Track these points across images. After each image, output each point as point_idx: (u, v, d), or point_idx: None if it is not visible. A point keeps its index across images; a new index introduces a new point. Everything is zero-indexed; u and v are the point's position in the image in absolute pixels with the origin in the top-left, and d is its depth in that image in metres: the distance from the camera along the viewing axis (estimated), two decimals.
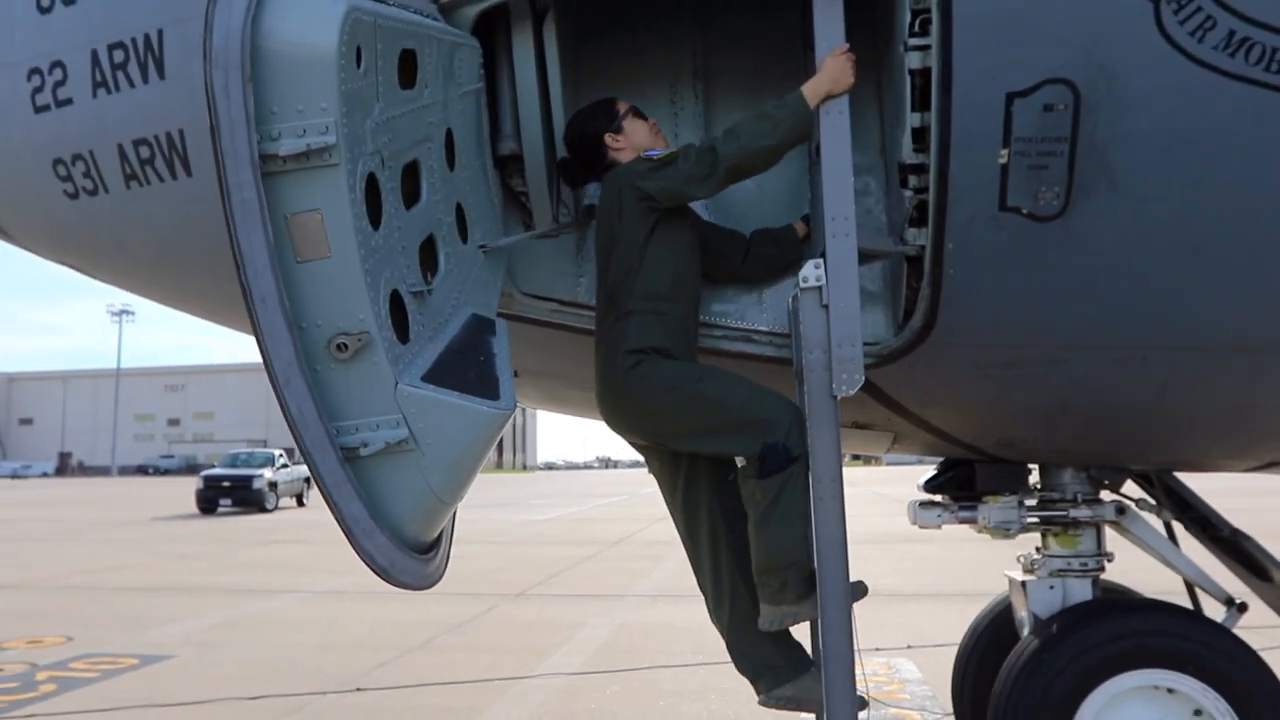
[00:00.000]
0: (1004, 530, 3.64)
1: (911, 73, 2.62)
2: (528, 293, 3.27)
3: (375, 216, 2.28)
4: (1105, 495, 3.79)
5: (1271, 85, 2.37)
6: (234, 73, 1.97)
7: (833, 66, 2.71)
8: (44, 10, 3.57)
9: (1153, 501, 3.89)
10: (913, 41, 2.58)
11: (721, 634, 3.10)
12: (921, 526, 3.76)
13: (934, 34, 2.51)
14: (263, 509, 25.08)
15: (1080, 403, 3.06)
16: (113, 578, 12.22)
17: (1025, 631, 3.51)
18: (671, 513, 3.15)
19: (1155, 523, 3.82)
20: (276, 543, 16.85)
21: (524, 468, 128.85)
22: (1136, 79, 2.43)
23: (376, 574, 2.22)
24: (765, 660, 2.97)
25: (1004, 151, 2.54)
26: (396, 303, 2.33)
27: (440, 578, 2.51)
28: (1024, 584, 3.63)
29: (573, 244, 3.31)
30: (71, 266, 4.32)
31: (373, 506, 2.19)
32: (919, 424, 3.34)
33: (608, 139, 3.07)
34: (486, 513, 25.11)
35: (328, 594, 10.52)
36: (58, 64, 3.52)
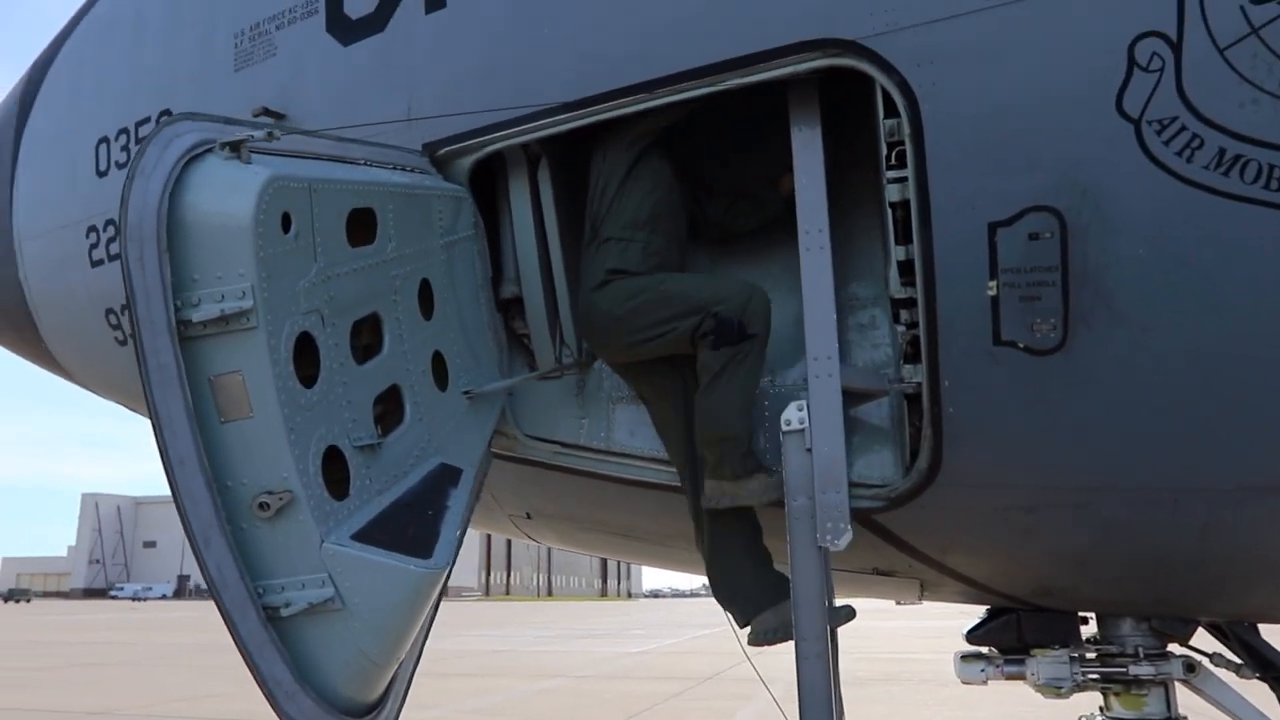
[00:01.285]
0: (1055, 689, 3.30)
1: (892, 205, 2.54)
2: (531, 435, 3.24)
3: (314, 373, 2.30)
4: (1174, 648, 3.41)
5: (1274, 204, 2.19)
6: (149, 245, 2.04)
7: None
8: (101, 174, 3.89)
9: (1234, 659, 3.48)
10: (890, 174, 2.51)
11: (704, 559, 3.05)
12: (964, 682, 3.45)
13: (909, 166, 2.44)
14: None
15: (1113, 549, 2.78)
16: (196, 708, 12.30)
17: None
18: (664, 440, 3.10)
19: (1235, 682, 3.40)
20: None
21: (628, 595, 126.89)
22: (1124, 203, 2.28)
23: None
24: (740, 590, 2.92)
25: (992, 283, 2.42)
26: (339, 457, 2.32)
27: None
28: None
29: (575, 385, 3.27)
30: (126, 406, 4.54)
31: (299, 668, 2.12)
32: (943, 571, 3.09)
33: None
34: (578, 644, 24.59)
35: None
36: (110, 222, 3.81)
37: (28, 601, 70.40)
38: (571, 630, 31.86)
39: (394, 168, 2.74)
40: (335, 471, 2.29)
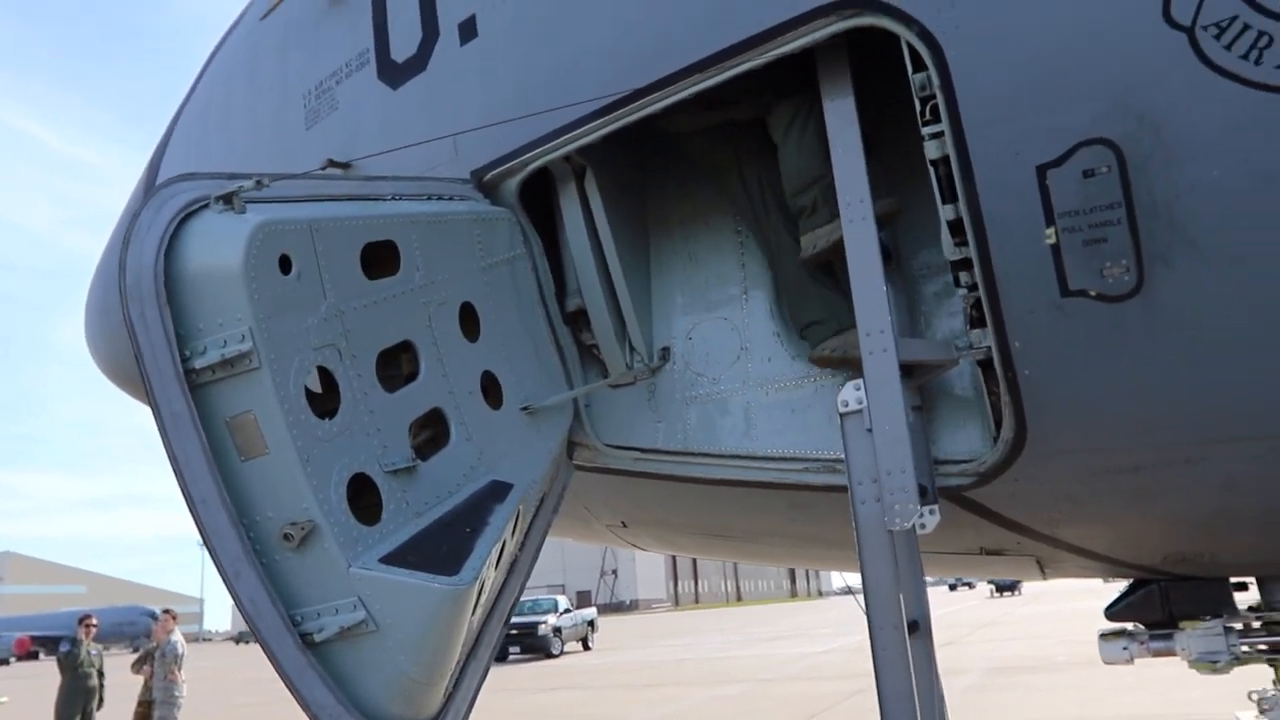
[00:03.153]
0: (1210, 664, 3.00)
1: (934, 163, 2.38)
2: (610, 444, 3.23)
3: (335, 405, 2.35)
4: None
5: None
6: (149, 303, 2.15)
7: None
8: None
9: None
10: (927, 130, 2.36)
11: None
12: (1107, 662, 3.18)
13: (943, 118, 2.28)
14: (549, 654, 25.89)
15: (1247, 505, 2.50)
16: None
17: None
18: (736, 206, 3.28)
19: None
20: (552, 689, 17.20)
21: (819, 594, 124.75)
22: (1188, 123, 2.05)
23: None
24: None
25: (1050, 230, 2.22)
26: (369, 484, 2.37)
27: None
28: None
29: (647, 391, 3.24)
30: None
31: (342, 691, 2.17)
32: (1056, 545, 2.87)
33: None
34: (763, 647, 24.38)
35: None
36: None
37: (248, 644, 76.31)
38: (758, 634, 31.61)
39: (429, 198, 2.79)
40: (373, 497, 2.35)
